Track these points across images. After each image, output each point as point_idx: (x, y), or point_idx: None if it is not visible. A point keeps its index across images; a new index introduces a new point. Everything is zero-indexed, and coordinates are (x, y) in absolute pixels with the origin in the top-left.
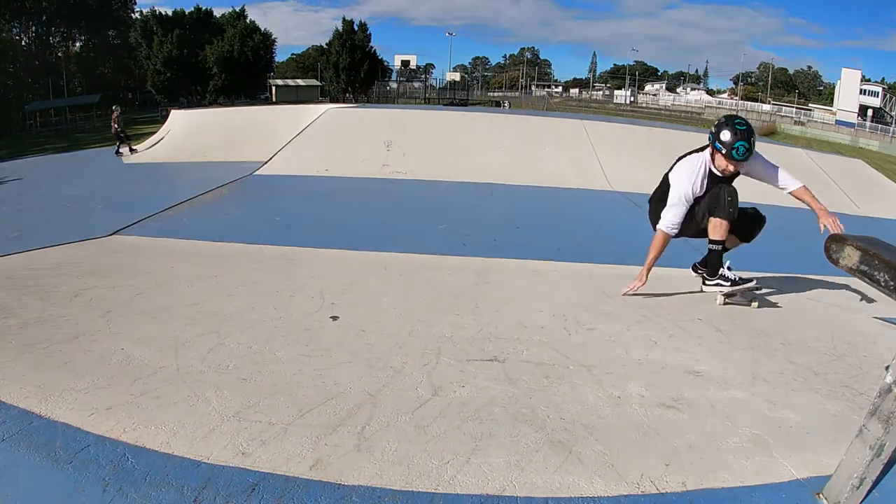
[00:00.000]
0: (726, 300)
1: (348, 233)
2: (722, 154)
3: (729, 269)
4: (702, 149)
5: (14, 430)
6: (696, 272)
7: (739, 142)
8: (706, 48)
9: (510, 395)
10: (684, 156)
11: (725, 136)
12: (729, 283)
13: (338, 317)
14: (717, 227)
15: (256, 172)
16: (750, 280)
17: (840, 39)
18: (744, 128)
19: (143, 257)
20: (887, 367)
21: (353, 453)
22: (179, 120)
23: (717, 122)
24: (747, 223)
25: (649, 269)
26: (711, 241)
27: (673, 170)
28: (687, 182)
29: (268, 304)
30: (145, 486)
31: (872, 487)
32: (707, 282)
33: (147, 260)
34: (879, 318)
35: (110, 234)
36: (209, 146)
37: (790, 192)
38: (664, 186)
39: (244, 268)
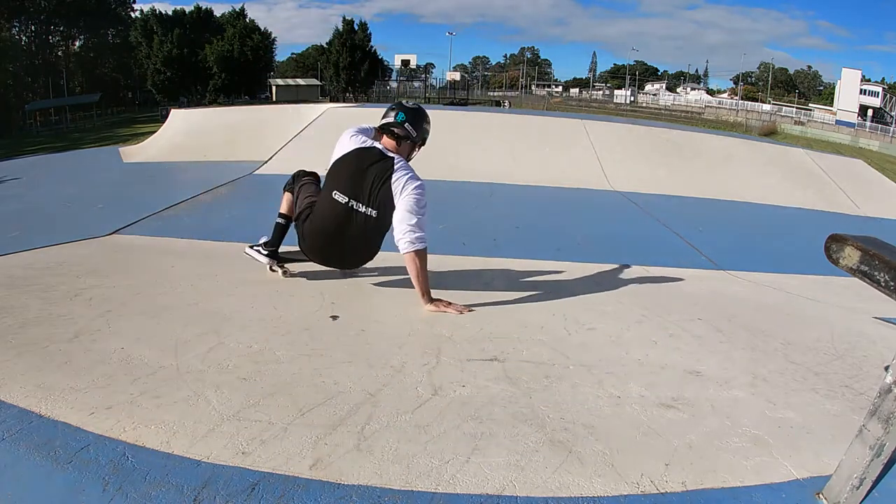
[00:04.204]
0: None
1: None
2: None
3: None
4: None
5: (14, 430)
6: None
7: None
8: (723, 48)
9: (510, 394)
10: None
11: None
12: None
13: (338, 316)
14: None
15: (256, 172)
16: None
17: (840, 40)
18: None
19: (142, 256)
20: (887, 367)
21: (353, 453)
22: (179, 119)
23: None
24: None
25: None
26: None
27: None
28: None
29: (267, 303)
30: (145, 485)
31: (872, 487)
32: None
33: (147, 259)
34: (879, 318)
35: (110, 234)
36: (209, 146)
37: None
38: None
39: (244, 267)
